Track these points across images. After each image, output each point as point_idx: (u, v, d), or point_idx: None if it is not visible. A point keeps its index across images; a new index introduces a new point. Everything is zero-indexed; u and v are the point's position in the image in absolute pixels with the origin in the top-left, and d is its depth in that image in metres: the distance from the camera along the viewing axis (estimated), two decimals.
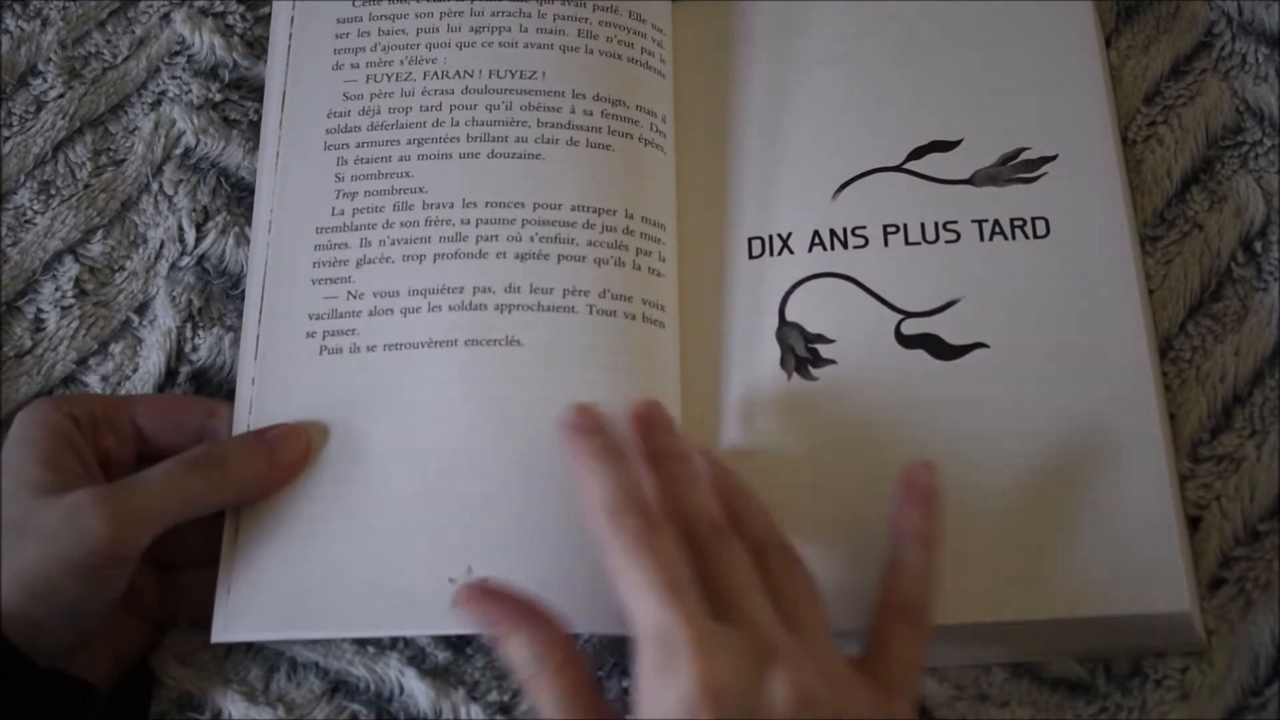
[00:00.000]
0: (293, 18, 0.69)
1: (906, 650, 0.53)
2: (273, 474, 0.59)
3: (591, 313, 0.62)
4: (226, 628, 0.58)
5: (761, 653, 0.49)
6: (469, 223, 0.63)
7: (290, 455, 0.60)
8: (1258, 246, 0.64)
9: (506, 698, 0.59)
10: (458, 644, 0.60)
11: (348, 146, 0.65)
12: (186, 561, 0.61)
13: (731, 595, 0.51)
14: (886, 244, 0.63)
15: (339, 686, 0.60)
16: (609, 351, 0.61)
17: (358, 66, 0.67)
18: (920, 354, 0.61)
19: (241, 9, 0.73)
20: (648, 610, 0.50)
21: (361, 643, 0.60)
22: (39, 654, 0.54)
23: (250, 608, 0.58)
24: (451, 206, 0.63)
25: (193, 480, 0.57)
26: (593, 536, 0.53)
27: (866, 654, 0.53)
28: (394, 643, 0.60)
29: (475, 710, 0.58)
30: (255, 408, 0.61)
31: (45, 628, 0.54)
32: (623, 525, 0.52)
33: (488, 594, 0.54)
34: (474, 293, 0.62)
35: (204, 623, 0.59)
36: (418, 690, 0.59)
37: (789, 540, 0.56)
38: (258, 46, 0.72)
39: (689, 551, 0.52)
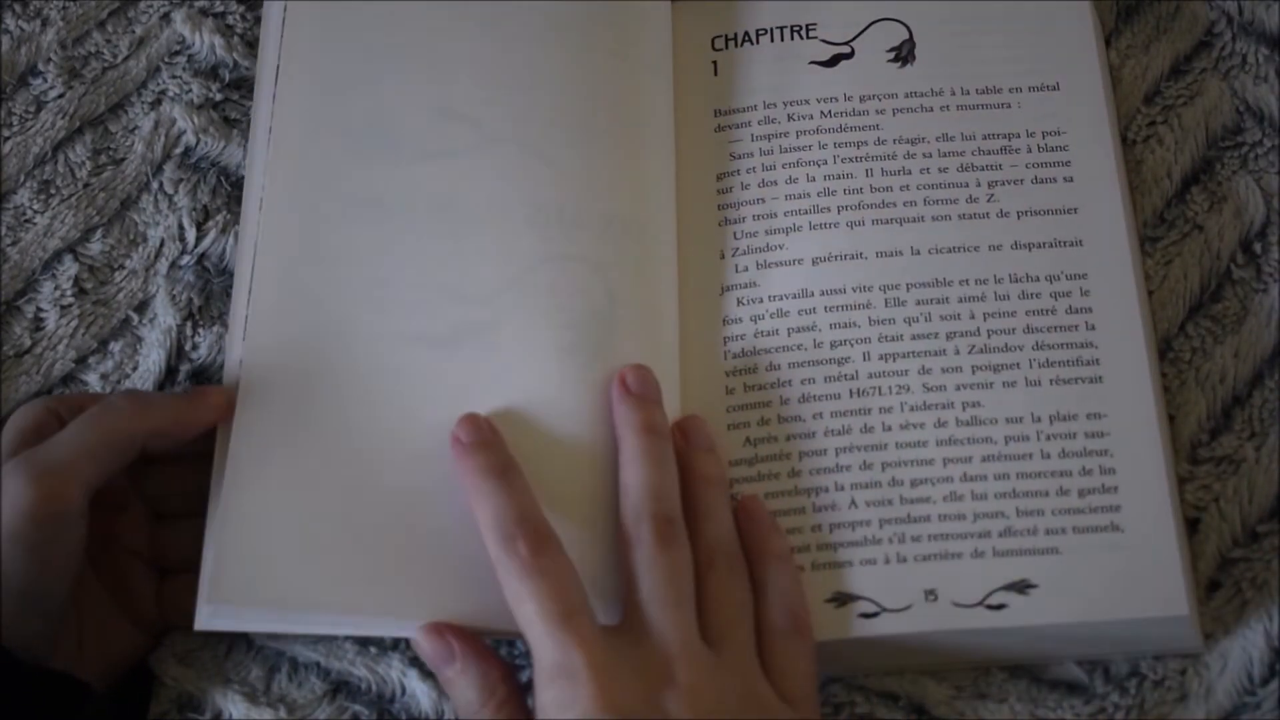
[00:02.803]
0: (284, 19, 0.68)
1: (797, 663, 0.55)
2: (191, 409, 0.59)
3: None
4: (212, 616, 0.57)
5: (661, 673, 0.51)
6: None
7: (212, 398, 0.59)
8: (1257, 247, 0.64)
9: None
10: None
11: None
12: (187, 566, 0.59)
13: (645, 606, 0.53)
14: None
15: (340, 687, 0.60)
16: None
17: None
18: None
19: (241, 9, 0.73)
20: (542, 642, 0.52)
21: (363, 643, 0.60)
22: (16, 649, 0.53)
23: (235, 598, 0.57)
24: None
25: (106, 418, 0.56)
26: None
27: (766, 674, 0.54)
28: (396, 643, 0.60)
29: None
30: (244, 392, 0.60)
31: (4, 616, 0.53)
32: (513, 551, 0.53)
33: (442, 630, 0.55)
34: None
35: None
36: (419, 691, 0.59)
37: (739, 548, 0.57)
38: (257, 46, 0.72)
39: (628, 551, 0.54)
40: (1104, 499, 0.58)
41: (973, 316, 0.61)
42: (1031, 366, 0.60)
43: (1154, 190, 0.65)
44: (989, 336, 0.61)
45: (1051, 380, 0.60)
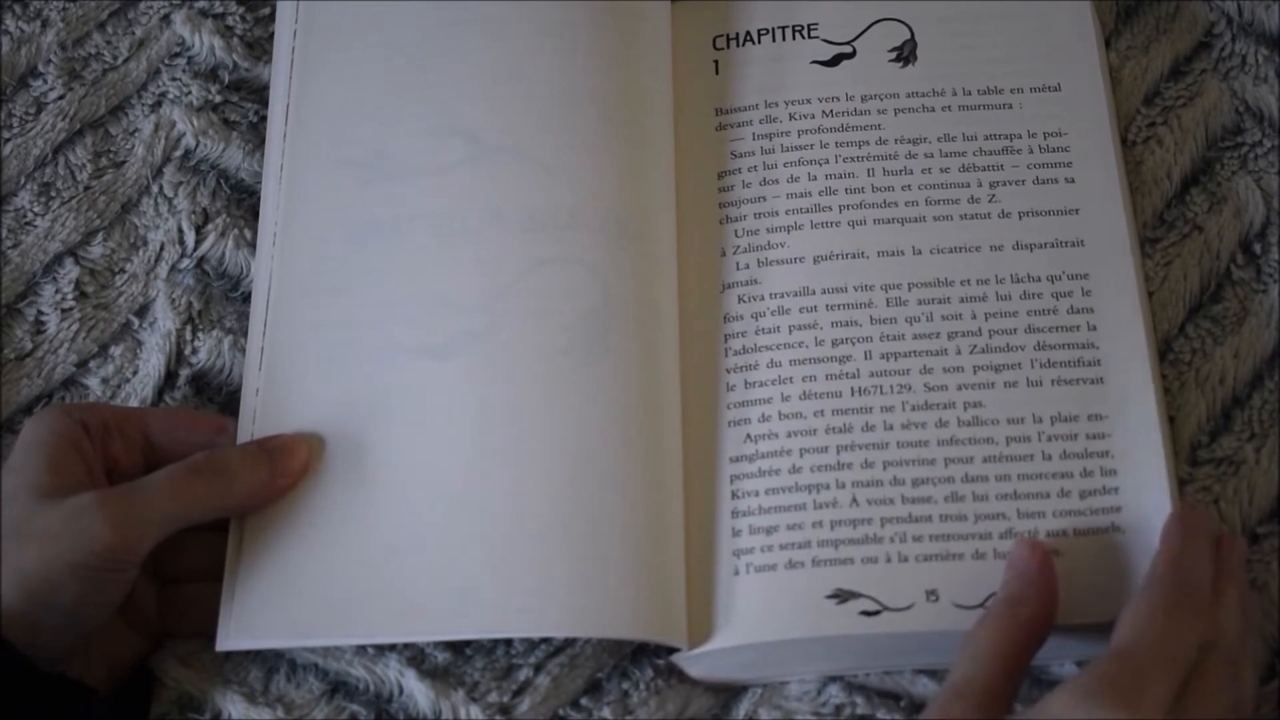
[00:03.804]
0: (295, 31, 0.69)
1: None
2: (274, 483, 0.59)
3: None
4: (231, 636, 0.59)
5: None
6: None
7: (291, 465, 0.60)
8: (1257, 248, 0.64)
9: (506, 698, 0.59)
10: (457, 645, 0.60)
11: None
12: (187, 576, 0.61)
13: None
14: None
15: (338, 687, 0.60)
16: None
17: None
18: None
19: (241, 10, 0.73)
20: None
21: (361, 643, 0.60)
22: (37, 657, 0.54)
23: (254, 616, 0.59)
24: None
25: (195, 486, 0.58)
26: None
27: None
28: (393, 643, 0.60)
29: (475, 711, 0.58)
30: (260, 418, 0.62)
31: (44, 630, 0.55)
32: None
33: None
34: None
35: (202, 637, 0.60)
36: (417, 691, 0.59)
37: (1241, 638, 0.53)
38: (257, 48, 0.73)
39: None
40: (1105, 500, 0.58)
41: (974, 316, 0.61)
42: (1033, 367, 0.60)
43: (1154, 191, 0.65)
44: (990, 336, 0.61)
45: (1053, 381, 0.60)
